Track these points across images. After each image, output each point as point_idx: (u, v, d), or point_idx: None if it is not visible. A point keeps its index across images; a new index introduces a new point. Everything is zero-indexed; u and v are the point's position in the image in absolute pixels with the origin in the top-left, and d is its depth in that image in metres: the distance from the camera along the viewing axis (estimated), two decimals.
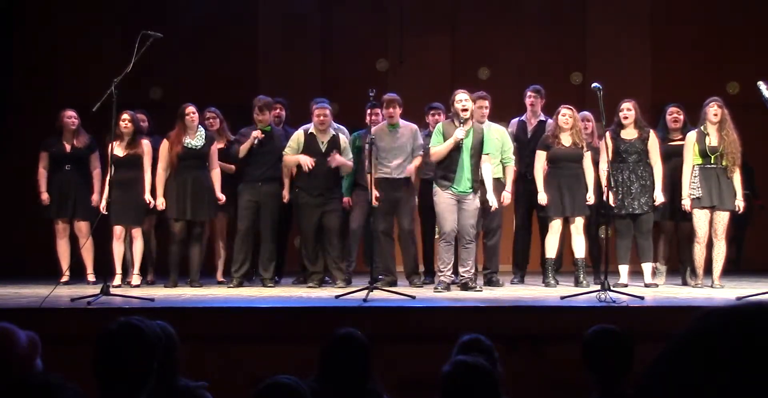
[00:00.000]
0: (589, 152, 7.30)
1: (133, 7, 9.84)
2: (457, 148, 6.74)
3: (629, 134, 7.32)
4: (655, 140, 7.28)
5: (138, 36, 6.17)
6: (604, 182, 6.84)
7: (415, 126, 7.52)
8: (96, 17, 9.90)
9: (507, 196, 7.45)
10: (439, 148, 6.78)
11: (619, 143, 7.28)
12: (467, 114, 6.75)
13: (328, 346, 3.37)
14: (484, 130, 6.99)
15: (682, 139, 7.34)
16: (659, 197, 7.19)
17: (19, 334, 2.62)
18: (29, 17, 9.92)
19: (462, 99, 6.77)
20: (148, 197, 7.35)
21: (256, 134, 7.35)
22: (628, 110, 7.32)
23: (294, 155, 7.27)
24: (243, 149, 7.39)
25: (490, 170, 6.95)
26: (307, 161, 7.16)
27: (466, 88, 7.09)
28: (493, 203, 6.97)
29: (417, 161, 7.39)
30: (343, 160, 7.26)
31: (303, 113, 7.67)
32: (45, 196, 7.66)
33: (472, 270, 6.90)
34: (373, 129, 7.14)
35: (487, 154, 6.92)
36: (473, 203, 6.82)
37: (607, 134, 7.17)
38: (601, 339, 3.40)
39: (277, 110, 7.89)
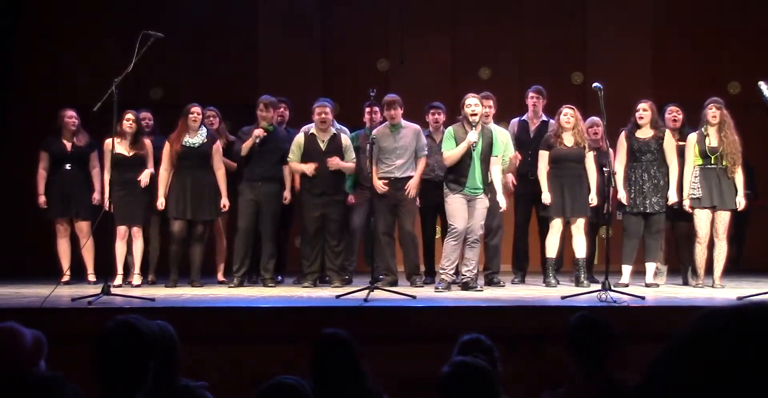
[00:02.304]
0: (591, 153, 7.30)
1: (133, 7, 9.83)
2: (468, 152, 6.75)
3: (644, 133, 7.32)
4: (671, 139, 7.28)
5: (138, 36, 6.17)
6: (619, 182, 6.83)
7: (417, 127, 7.49)
8: (96, 17, 9.89)
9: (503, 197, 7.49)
10: (452, 152, 6.79)
11: (633, 141, 7.29)
12: (476, 119, 6.76)
13: (313, 349, 3.35)
14: (493, 132, 7.00)
15: (681, 140, 7.35)
16: (672, 197, 7.19)
17: (25, 334, 2.62)
18: (29, 17, 9.91)
19: (471, 104, 6.79)
20: (148, 182, 7.42)
21: (258, 132, 7.35)
22: (644, 110, 7.32)
23: (298, 161, 7.29)
24: (245, 147, 7.39)
25: (499, 172, 6.95)
26: (309, 168, 7.19)
27: (466, 88, 7.09)
28: (502, 204, 6.98)
29: (421, 163, 7.37)
30: (343, 164, 7.27)
31: (303, 113, 7.66)
32: (42, 199, 7.64)
33: (475, 270, 6.90)
34: (374, 130, 7.13)
35: (496, 156, 6.93)
36: (483, 202, 6.83)
37: (622, 133, 7.19)
38: (580, 322, 3.66)
39: (281, 109, 7.89)
